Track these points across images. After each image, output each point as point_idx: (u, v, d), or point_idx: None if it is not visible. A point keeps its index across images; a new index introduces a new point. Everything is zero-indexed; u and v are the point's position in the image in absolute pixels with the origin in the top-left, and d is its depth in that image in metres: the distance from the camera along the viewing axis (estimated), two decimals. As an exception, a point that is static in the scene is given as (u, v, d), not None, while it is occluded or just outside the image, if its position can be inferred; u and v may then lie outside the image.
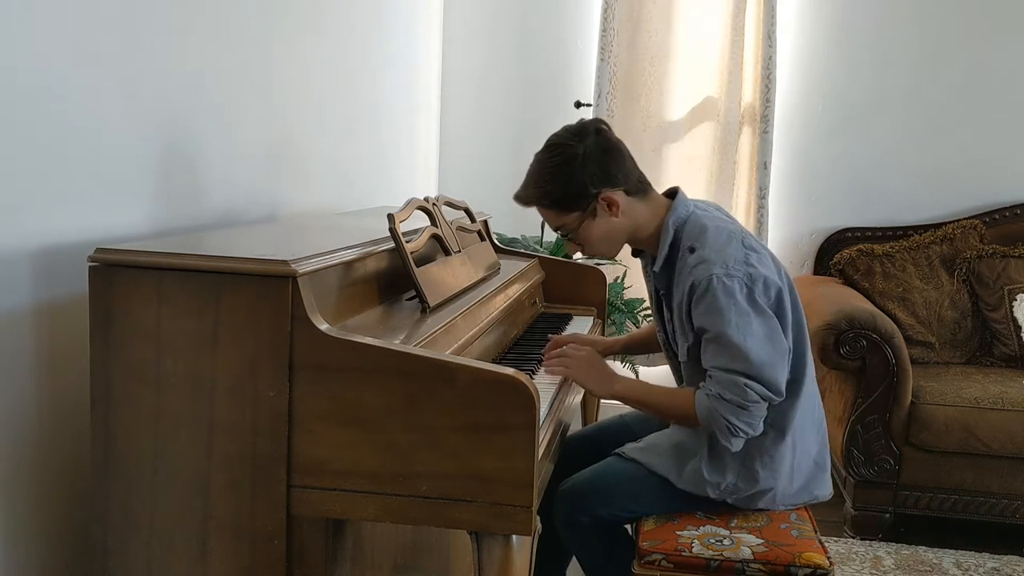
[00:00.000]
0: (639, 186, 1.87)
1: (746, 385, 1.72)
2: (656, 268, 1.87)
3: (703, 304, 1.74)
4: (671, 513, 1.88)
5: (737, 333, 1.72)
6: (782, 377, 1.76)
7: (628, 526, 1.97)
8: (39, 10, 1.50)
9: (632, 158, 1.88)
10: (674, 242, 1.85)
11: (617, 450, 1.96)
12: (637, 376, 3.40)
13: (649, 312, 3.47)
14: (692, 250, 1.80)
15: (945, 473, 2.97)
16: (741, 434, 1.75)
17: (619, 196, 1.82)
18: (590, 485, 1.90)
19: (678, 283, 1.82)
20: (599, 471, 1.93)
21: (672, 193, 1.92)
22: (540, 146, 1.87)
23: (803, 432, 1.88)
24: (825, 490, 1.93)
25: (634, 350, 2.30)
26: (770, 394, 1.74)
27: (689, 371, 1.88)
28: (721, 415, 1.73)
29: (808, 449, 1.90)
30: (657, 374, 3.59)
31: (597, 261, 3.46)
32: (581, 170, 1.79)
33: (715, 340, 1.74)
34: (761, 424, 1.77)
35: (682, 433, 1.89)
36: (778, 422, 1.84)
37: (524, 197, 1.87)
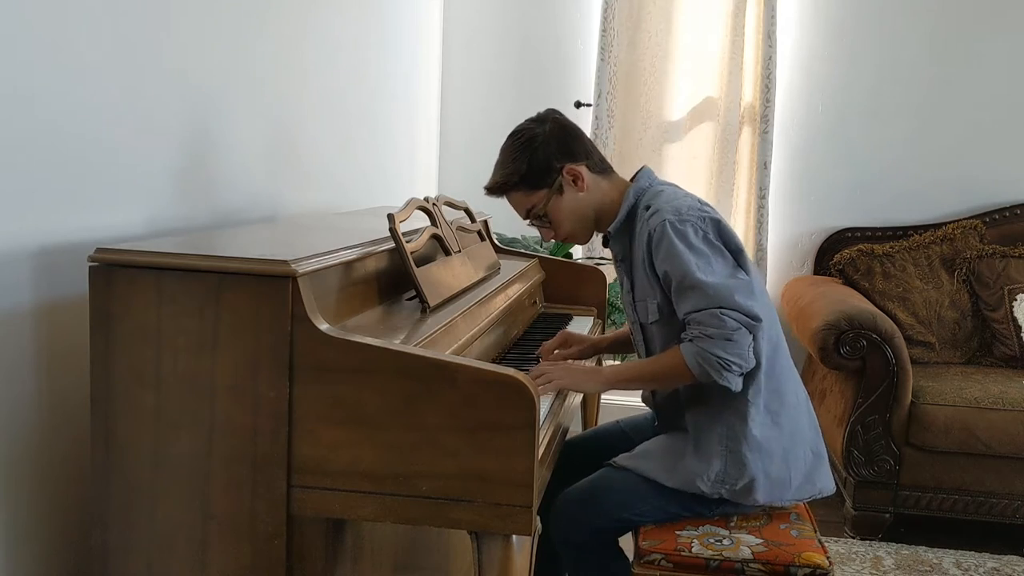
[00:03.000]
0: (601, 164, 1.96)
1: (723, 314, 1.72)
2: (611, 230, 1.93)
3: (661, 250, 1.78)
4: (669, 520, 1.85)
5: (699, 271, 1.74)
6: (755, 305, 1.75)
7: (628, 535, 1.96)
8: (39, 12, 1.50)
9: (591, 141, 1.99)
10: (633, 208, 1.91)
11: (609, 461, 1.94)
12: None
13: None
14: (647, 208, 1.86)
15: (945, 473, 2.97)
16: (735, 368, 1.72)
17: (583, 170, 1.90)
18: (583, 498, 1.88)
19: (637, 242, 1.87)
20: (591, 483, 1.91)
21: (636, 175, 1.98)
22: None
23: (790, 412, 1.85)
24: (828, 483, 1.90)
25: (616, 348, 2.29)
26: (749, 319, 1.73)
27: (663, 332, 1.87)
28: (710, 352, 1.72)
29: (800, 432, 1.86)
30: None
31: (595, 260, 3.47)
32: (544, 147, 1.90)
33: (681, 285, 1.76)
34: (752, 355, 1.74)
35: (670, 438, 1.89)
36: (756, 398, 1.81)
37: (493, 183, 1.94)
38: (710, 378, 1.73)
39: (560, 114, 1.96)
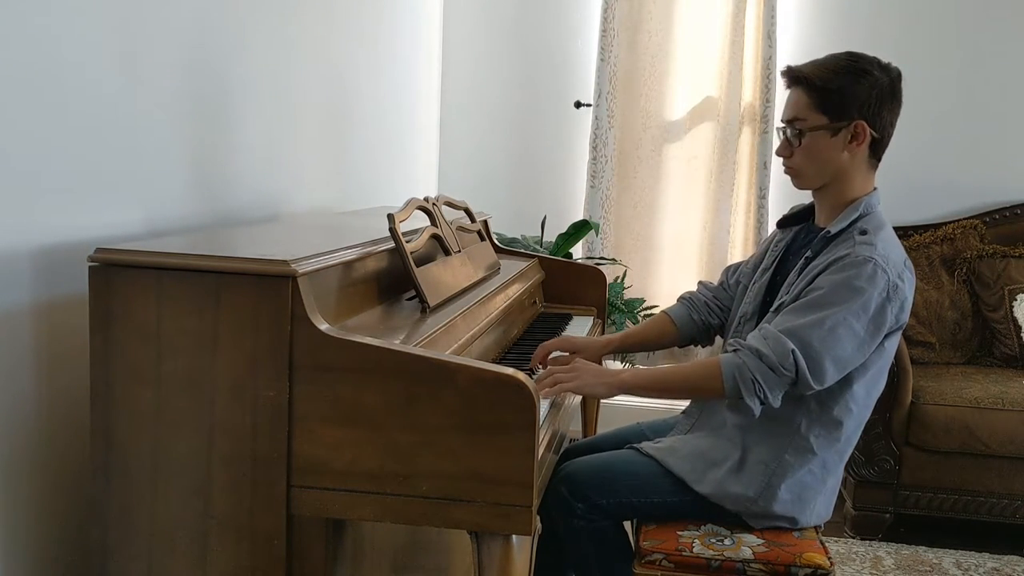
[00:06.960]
0: (879, 151, 1.84)
1: (792, 352, 1.64)
2: (832, 230, 1.80)
3: (843, 274, 1.69)
4: (673, 517, 1.83)
5: (842, 317, 1.66)
6: (829, 380, 1.69)
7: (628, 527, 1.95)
8: (38, 10, 1.50)
9: (892, 134, 1.85)
10: (856, 220, 1.80)
11: (634, 445, 1.90)
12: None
13: (648, 312, 3.48)
14: (864, 232, 1.77)
15: (945, 473, 2.97)
16: (761, 395, 1.67)
17: (867, 139, 1.79)
18: (595, 471, 1.84)
19: (831, 251, 1.77)
20: (608, 459, 1.87)
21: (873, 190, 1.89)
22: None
23: (837, 467, 1.83)
24: (830, 512, 1.90)
25: (632, 347, 2.20)
26: (809, 379, 1.66)
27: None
28: (750, 370, 1.66)
29: (834, 486, 1.86)
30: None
31: (595, 260, 3.46)
32: (865, 90, 1.77)
33: (816, 304, 1.68)
34: (778, 401, 1.69)
35: (706, 442, 1.84)
36: (825, 451, 1.79)
37: (799, 70, 1.82)
38: (737, 394, 1.69)
39: (900, 81, 1.82)
